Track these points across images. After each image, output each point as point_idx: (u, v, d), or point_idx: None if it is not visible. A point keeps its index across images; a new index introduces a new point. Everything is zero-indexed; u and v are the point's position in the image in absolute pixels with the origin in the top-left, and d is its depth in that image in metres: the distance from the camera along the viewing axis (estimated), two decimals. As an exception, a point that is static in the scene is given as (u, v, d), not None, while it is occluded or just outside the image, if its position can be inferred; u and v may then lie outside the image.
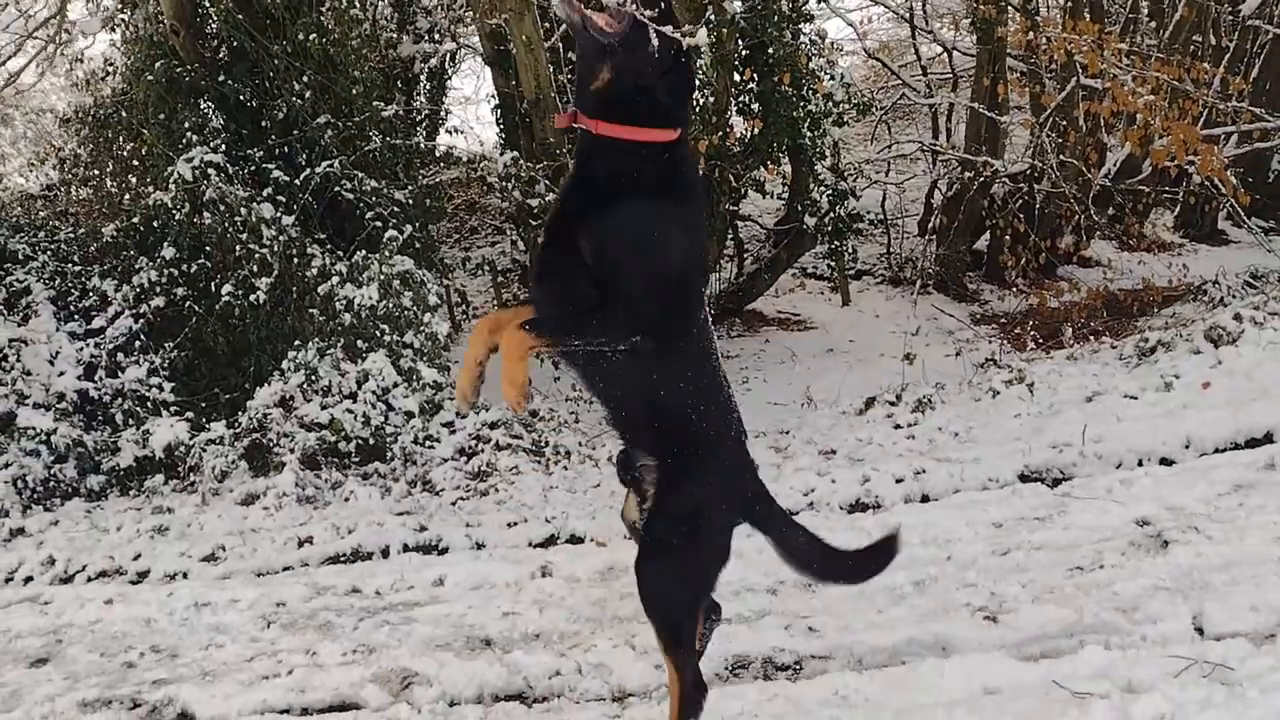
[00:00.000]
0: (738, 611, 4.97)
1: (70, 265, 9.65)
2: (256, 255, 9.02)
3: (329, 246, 9.63)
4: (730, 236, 13.19)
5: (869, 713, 3.71)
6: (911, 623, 4.49)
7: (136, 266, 9.36)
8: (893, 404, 8.44)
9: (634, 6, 2.72)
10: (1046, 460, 6.63)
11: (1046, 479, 6.44)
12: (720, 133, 10.21)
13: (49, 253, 9.75)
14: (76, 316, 9.32)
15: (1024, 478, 6.47)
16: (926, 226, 15.15)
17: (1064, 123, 12.21)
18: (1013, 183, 13.69)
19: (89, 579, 6.87)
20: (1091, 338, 10.34)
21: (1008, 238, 13.23)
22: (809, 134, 11.17)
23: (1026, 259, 12.98)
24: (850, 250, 13.01)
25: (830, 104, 11.37)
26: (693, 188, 2.97)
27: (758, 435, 8.11)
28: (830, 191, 11.66)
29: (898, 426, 7.97)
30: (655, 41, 2.73)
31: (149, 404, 8.89)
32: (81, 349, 8.98)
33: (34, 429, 8.18)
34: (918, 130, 17.87)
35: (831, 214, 11.67)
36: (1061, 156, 12.15)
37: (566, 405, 9.20)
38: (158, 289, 9.23)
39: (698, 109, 10.72)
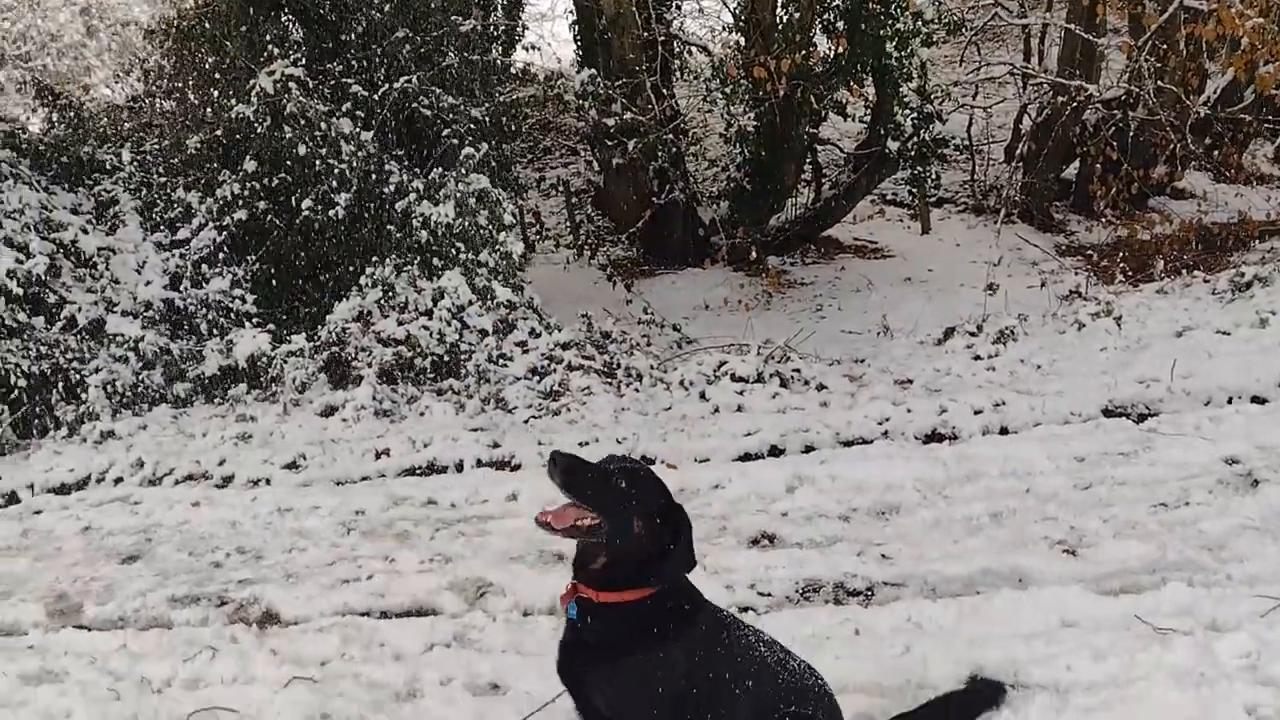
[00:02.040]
0: (809, 537, 4.96)
1: (156, 176, 9.80)
2: (335, 170, 9.08)
3: (406, 163, 9.65)
4: (808, 160, 12.93)
5: (942, 640, 3.68)
6: (988, 554, 4.43)
7: (219, 179, 9.50)
8: (973, 335, 8.27)
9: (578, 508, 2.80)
10: (1133, 395, 6.46)
11: (1132, 414, 6.27)
12: (803, 51, 9.92)
13: (135, 163, 9.91)
14: (162, 227, 9.51)
15: (1108, 412, 6.31)
16: (1013, 153, 14.66)
17: (1164, 46, 11.64)
18: (1106, 109, 13.14)
19: (176, 482, 7.10)
20: (1183, 271, 9.99)
21: (1098, 166, 12.76)
22: (895, 54, 10.78)
23: (1117, 189, 12.52)
24: (933, 176, 12.65)
25: (919, 23, 10.94)
26: (694, 613, 2.89)
27: (831, 364, 8.02)
28: (915, 115, 11.30)
29: (977, 358, 7.82)
30: (638, 525, 2.77)
31: (232, 315, 9.09)
32: (167, 259, 9.18)
33: (123, 336, 8.42)
34: (1008, 52, 17.23)
35: (915, 138, 11.32)
36: (1159, 82, 11.60)
37: (639, 328, 9.18)
38: (240, 202, 9.36)
39: (781, 25, 10.44)
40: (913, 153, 11.45)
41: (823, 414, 6.83)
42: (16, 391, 8.03)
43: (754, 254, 10.20)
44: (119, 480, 7.21)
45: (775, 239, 12.15)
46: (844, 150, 13.94)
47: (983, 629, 3.75)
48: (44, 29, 18.93)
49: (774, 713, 2.82)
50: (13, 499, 7.16)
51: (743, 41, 10.83)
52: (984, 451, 5.81)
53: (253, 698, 3.86)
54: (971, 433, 6.29)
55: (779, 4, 10.54)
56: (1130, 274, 10.63)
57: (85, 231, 9.00)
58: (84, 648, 4.59)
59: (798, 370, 7.66)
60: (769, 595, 4.41)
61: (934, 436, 6.33)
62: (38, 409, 8.11)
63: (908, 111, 11.33)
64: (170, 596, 5.05)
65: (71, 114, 10.53)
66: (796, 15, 10.28)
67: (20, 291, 8.15)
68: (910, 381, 7.52)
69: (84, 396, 8.07)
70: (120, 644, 4.53)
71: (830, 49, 10.78)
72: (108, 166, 9.85)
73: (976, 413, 6.46)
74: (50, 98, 10.72)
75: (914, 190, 13.62)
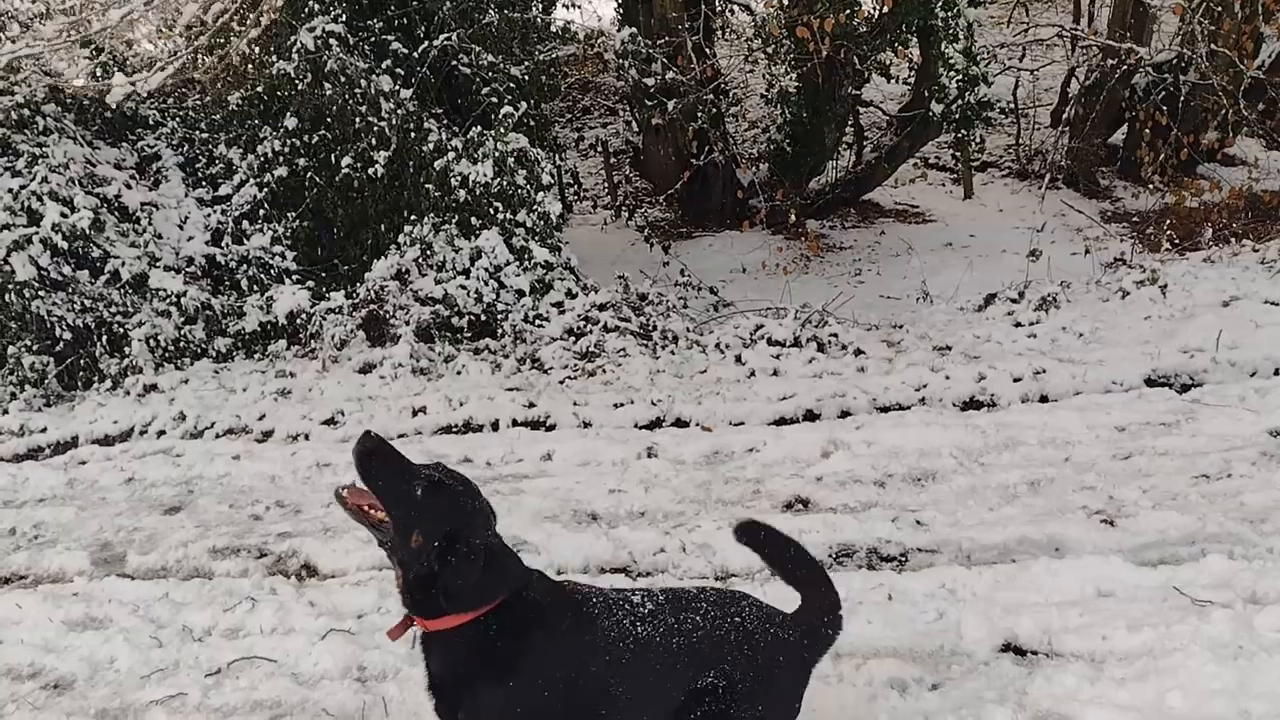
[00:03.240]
0: (843, 502, 4.96)
1: (198, 133, 9.86)
2: (375, 128, 9.08)
3: (445, 122, 9.63)
4: (850, 123, 12.74)
5: (976, 607, 3.67)
6: (1024, 521, 4.40)
7: (260, 135, 9.53)
8: (1014, 301, 8.17)
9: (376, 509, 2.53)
10: (1176, 365, 6.36)
11: (1175, 384, 6.19)
12: (847, 11, 9.75)
13: (177, 119, 9.97)
14: (204, 183, 9.58)
15: (1151, 382, 6.22)
16: (1060, 117, 14.36)
17: (1218, 8, 11.31)
18: (1156, 73, 12.80)
19: (217, 435, 7.21)
20: (1232, 240, 9.77)
21: (1147, 131, 12.44)
22: (942, 14, 10.56)
23: (1166, 154, 12.22)
24: (977, 140, 12.44)
25: (967, -18, 10.71)
26: (543, 624, 2.55)
27: (869, 329, 7.96)
28: (960, 77, 11.08)
29: (1018, 325, 7.73)
30: (417, 538, 2.48)
31: (272, 271, 9.17)
32: (209, 215, 9.26)
33: (165, 290, 8.52)
34: (1057, 13, 16.82)
35: (960, 101, 11.11)
36: (1213, 45, 11.29)
37: (675, 290, 9.14)
38: (280, 159, 9.40)
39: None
40: (957, 116, 11.25)
41: (859, 379, 6.79)
42: (61, 344, 8.17)
43: (793, 217, 10.10)
44: (161, 433, 7.33)
45: (815, 202, 12.02)
46: (887, 113, 13.72)
47: (1017, 597, 3.74)
48: (88, -17, 18.99)
49: (682, 693, 2.56)
50: (59, 449, 7.31)
51: (786, 1, 10.66)
52: (1023, 419, 5.76)
53: (291, 648, 3.93)
54: (1010, 400, 6.24)
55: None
56: (1177, 242, 10.41)
57: (129, 186, 9.09)
58: (128, 596, 4.69)
59: (835, 335, 7.61)
60: (802, 559, 4.41)
61: (972, 404, 6.29)
62: (82, 361, 8.25)
63: (953, 73, 11.11)
64: (211, 548, 5.14)
65: (115, 69, 10.56)
66: (840, -25, 10.10)
67: (65, 245, 8.26)
68: (949, 348, 7.45)
69: (127, 350, 8.20)
70: (163, 593, 4.62)
71: (875, 9, 10.59)
72: (150, 122, 9.91)
73: (1016, 380, 6.40)
74: (96, 53, 10.76)
75: (957, 154, 13.39)
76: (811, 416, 6.33)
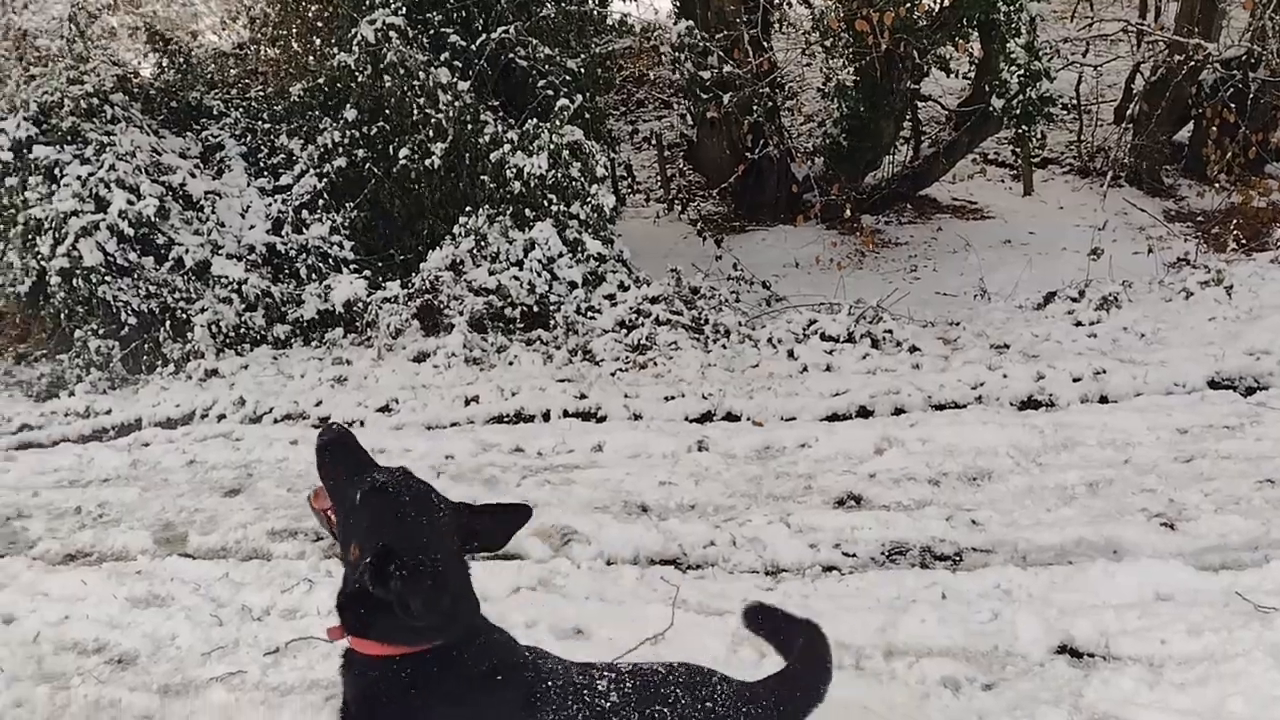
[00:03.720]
0: (897, 500, 4.92)
1: (260, 123, 10.03)
2: (432, 120, 9.16)
3: (501, 114, 9.69)
4: (908, 117, 12.62)
5: (1031, 608, 3.62)
6: (1082, 523, 4.33)
7: (320, 127, 9.67)
8: (1074, 300, 8.04)
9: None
10: (1241, 367, 6.21)
11: (1239, 387, 6.04)
12: (907, 4, 9.64)
13: (241, 110, 10.15)
14: (266, 173, 9.74)
15: (1214, 384, 6.08)
16: (1124, 114, 14.06)
17: (1293, 2, 11.01)
18: (1225, 69, 12.49)
19: (275, 420, 7.34)
20: (1302, 241, 9.52)
21: (1214, 129, 12.16)
22: (1004, 8, 10.40)
23: (1233, 153, 11.92)
24: (1038, 136, 12.22)
25: (1030, -24, 10.54)
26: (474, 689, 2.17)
27: (925, 325, 7.88)
28: (1022, 72, 10.89)
29: (1079, 324, 7.60)
30: (355, 551, 2.18)
31: (330, 260, 9.31)
32: (270, 204, 9.42)
33: (227, 278, 8.68)
34: (1123, 8, 16.47)
35: (1021, 96, 10.93)
36: (1285, 40, 11.00)
37: (728, 284, 9.13)
38: (340, 150, 9.52)
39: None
40: (1018, 111, 11.06)
41: (914, 376, 6.72)
42: (126, 328, 8.37)
43: (848, 211, 10.01)
44: (222, 417, 7.48)
45: (871, 197, 11.92)
46: (946, 107, 13.57)
47: (1074, 599, 3.68)
48: (155, -24, 19.40)
49: None
50: (123, 431, 7.49)
51: (845, -6, 10.59)
52: (1082, 420, 5.67)
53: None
54: (1069, 400, 6.13)
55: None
56: (1243, 242, 10.16)
57: (193, 175, 9.27)
58: (189, 575, 4.80)
59: (889, 331, 7.55)
60: (853, 556, 4.39)
61: (1030, 403, 6.19)
62: (146, 346, 8.44)
63: (1014, 68, 10.94)
64: (270, 530, 5.24)
65: (181, 60, 10.79)
66: (901, -33, 9.99)
67: (131, 232, 8.45)
68: (1007, 346, 7.35)
69: (190, 335, 8.37)
70: (223, 573, 4.72)
71: (936, 2, 10.47)
72: (214, 112, 10.10)
73: (1075, 380, 6.30)
74: (161, 43, 11.00)
75: (1017, 150, 13.18)
76: (865, 413, 6.28)
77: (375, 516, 2.21)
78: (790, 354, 7.41)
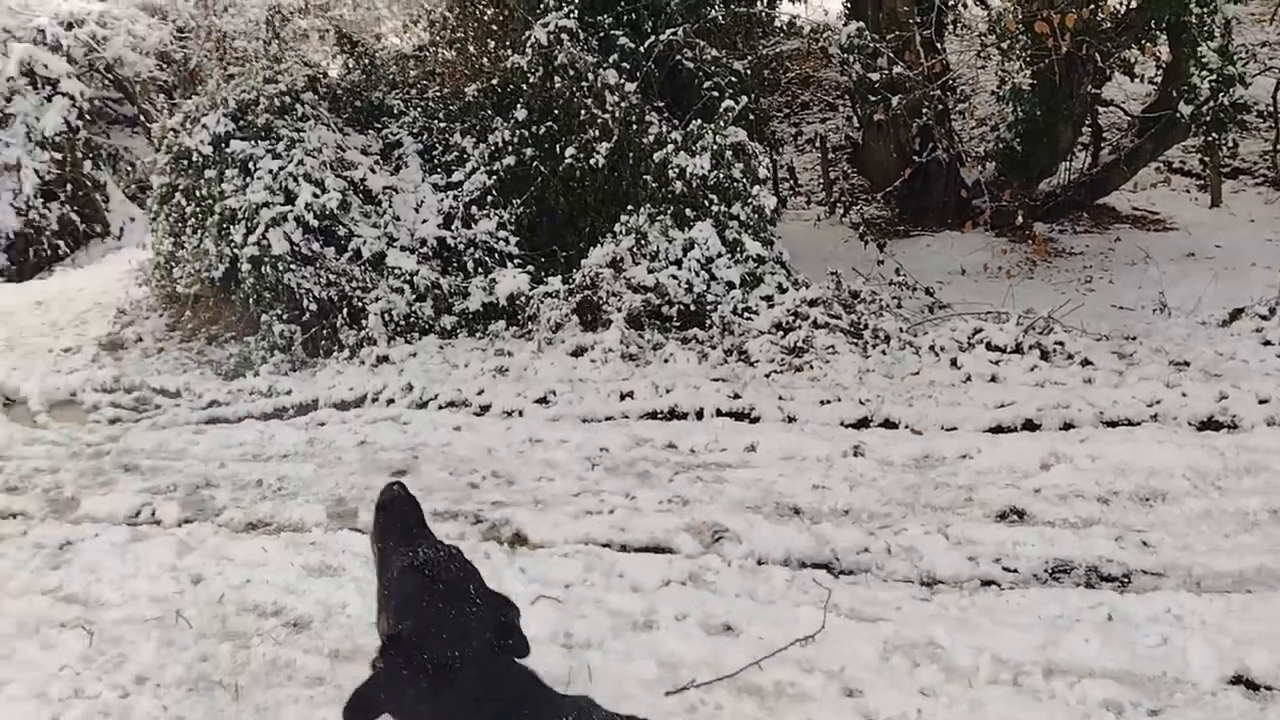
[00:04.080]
0: (1062, 516, 4.74)
1: (436, 122, 10.43)
2: (599, 120, 9.34)
3: (666, 114, 9.79)
4: (1087, 122, 12.09)
5: (1204, 636, 3.44)
6: (1264, 551, 4.08)
7: (492, 126, 9.98)
8: (1264, 318, 7.54)
9: None
10: None
11: None
12: (1091, 5, 9.25)
13: (419, 109, 10.58)
14: (439, 170, 10.13)
15: None
16: (1327, 122, 13.12)
17: None
18: None
19: (440, 406, 7.62)
20: None
21: None
22: (1196, 10, 9.85)
23: None
24: (1229, 145, 11.52)
25: (1228, -25, 9.94)
26: None
27: (1098, 339, 7.54)
28: (1214, 77, 10.28)
29: (1268, 343, 7.12)
30: (384, 621, 2.18)
31: (496, 255, 9.60)
32: (442, 200, 9.79)
33: (400, 269, 9.07)
34: (1330, 9, 15.32)
35: (1212, 102, 10.31)
36: None
37: (889, 290, 8.96)
38: (509, 148, 9.81)
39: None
40: (1208, 118, 10.45)
41: (1085, 391, 6.44)
42: (307, 314, 8.84)
43: (1020, 218, 9.67)
44: (390, 401, 7.81)
45: (1044, 204, 11.48)
46: (1129, 113, 12.93)
47: (1252, 628, 3.47)
48: (342, -19, 20.45)
49: None
50: (300, 410, 7.92)
51: (1024, -6, 10.23)
52: (1267, 443, 5.32)
53: (503, 612, 4.13)
54: (1254, 423, 5.75)
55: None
56: None
57: (373, 171, 9.73)
58: (359, 548, 5.04)
59: (1060, 343, 7.26)
60: (1014, 571, 4.26)
61: (1210, 424, 5.84)
62: (324, 331, 8.89)
63: (1205, 73, 10.34)
64: (433, 510, 5.43)
65: (365, 61, 11.33)
66: (1087, -34, 9.58)
67: (315, 223, 8.92)
68: (1187, 364, 6.96)
69: (364, 323, 8.77)
70: (388, 548, 4.95)
71: (1122, 3, 10.00)
72: (394, 111, 10.56)
73: (1262, 402, 5.91)
74: (349, 45, 11.58)
75: (1206, 159, 12.44)
76: (1030, 426, 6.06)
77: (405, 596, 2.16)
78: (953, 362, 7.22)
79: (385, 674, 2.02)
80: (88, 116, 15.56)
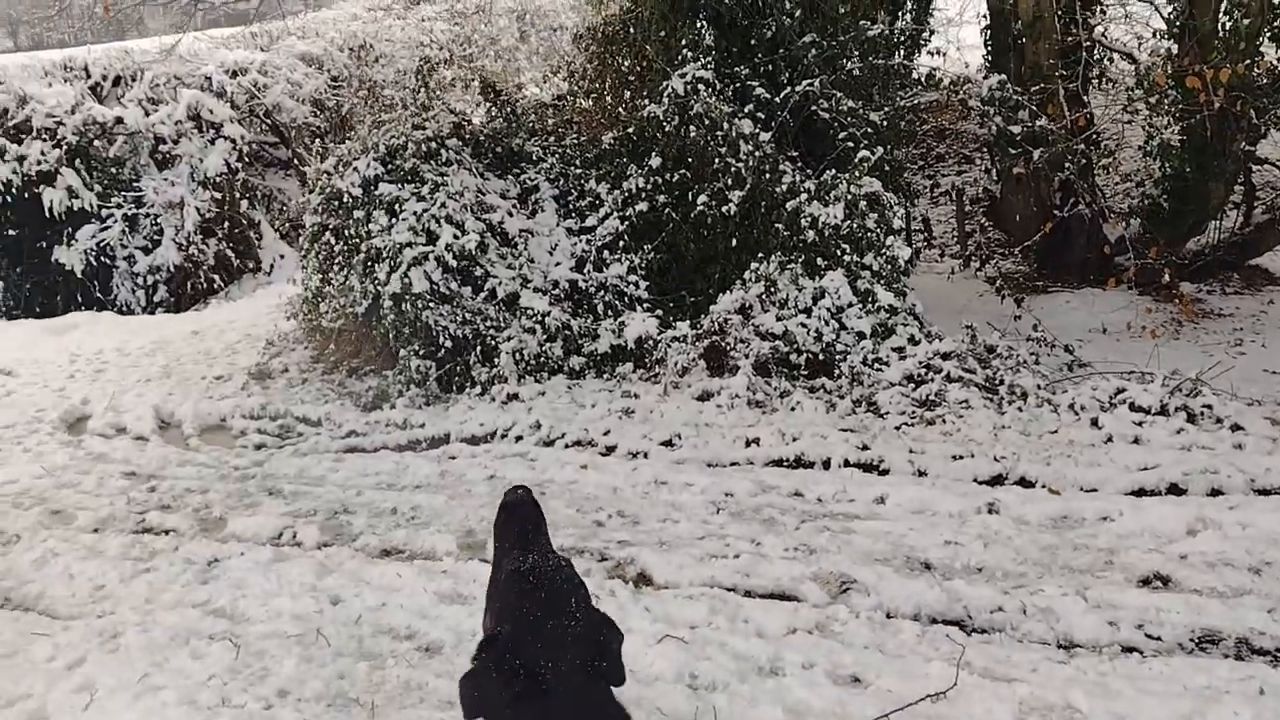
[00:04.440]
0: (1210, 585, 4.53)
1: (573, 168, 10.71)
2: (732, 169, 9.44)
3: (799, 164, 9.82)
4: (1240, 180, 11.60)
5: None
6: None
7: (627, 173, 10.19)
8: None
9: None
10: None
11: None
12: (1247, 60, 8.93)
13: (556, 156, 10.88)
14: (573, 215, 10.38)
15: None
16: None
17: None
18: None
19: (566, 445, 7.75)
20: None
21: None
22: (1362, 64, 9.42)
23: None
24: (1394, 206, 10.92)
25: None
26: None
27: (1250, 403, 7.19)
28: (1379, 135, 9.82)
29: None
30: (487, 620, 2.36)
31: (626, 298, 9.75)
32: (575, 243, 10.02)
33: (533, 310, 9.30)
34: None
35: (1377, 161, 9.84)
36: None
37: (1026, 346, 8.73)
38: (643, 195, 9.99)
39: (1223, 32, 9.46)
40: (1373, 177, 9.96)
41: (1235, 456, 6.15)
42: (443, 351, 9.13)
43: (1166, 277, 9.33)
44: (519, 438, 7.99)
45: (1192, 263, 11.03)
46: (1285, 171, 12.37)
47: None
48: (485, 33, 21.28)
49: None
50: (433, 443, 8.16)
51: (1174, 49, 9.93)
52: None
53: (628, 648, 4.12)
54: None
55: (1221, 9, 9.57)
56: None
57: (510, 214, 10.02)
58: (487, 578, 5.16)
59: (1209, 406, 6.95)
60: (1158, 639, 4.09)
61: (1375, 498, 5.51)
62: (458, 368, 9.15)
63: (1370, 131, 9.87)
64: (559, 546, 5.53)
65: (507, 110, 11.73)
66: (1244, 22, 9.26)
67: (454, 263, 9.23)
68: (1348, 433, 6.58)
69: (496, 361, 9.00)
70: (516, 580, 5.05)
71: (1280, 58, 9.63)
72: (533, 157, 10.89)
73: None
74: (492, 94, 12.01)
75: (1369, 220, 11.78)
76: (1176, 490, 5.81)
77: (508, 600, 2.24)
78: (1094, 422, 6.98)
79: (476, 674, 2.10)
80: (246, 159, 16.48)
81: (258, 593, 5.30)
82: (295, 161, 17.58)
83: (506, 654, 2.10)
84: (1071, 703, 3.57)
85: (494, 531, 2.39)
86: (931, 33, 12.81)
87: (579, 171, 10.67)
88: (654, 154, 10.04)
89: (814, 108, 10.04)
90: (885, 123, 10.18)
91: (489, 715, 2.17)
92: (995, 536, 5.30)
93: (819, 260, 8.95)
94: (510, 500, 2.46)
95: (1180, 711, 3.42)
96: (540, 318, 9.32)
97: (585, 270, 9.92)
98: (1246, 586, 4.48)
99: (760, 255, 9.24)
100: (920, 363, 8.15)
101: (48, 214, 14.76)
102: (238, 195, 15.90)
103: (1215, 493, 5.73)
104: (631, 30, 10.90)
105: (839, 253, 8.90)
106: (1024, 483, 6.19)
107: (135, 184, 15.53)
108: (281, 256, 16.15)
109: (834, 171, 9.31)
